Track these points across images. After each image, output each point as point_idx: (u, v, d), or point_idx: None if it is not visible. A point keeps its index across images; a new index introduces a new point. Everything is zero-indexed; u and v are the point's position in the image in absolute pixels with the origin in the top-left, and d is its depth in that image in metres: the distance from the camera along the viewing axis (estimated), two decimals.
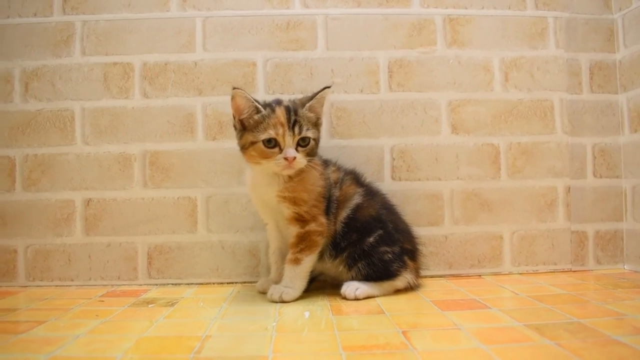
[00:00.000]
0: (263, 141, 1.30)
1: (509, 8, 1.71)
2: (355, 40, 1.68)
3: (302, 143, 1.33)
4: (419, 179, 1.67)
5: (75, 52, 1.65)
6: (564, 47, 1.72)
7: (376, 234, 1.37)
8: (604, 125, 1.73)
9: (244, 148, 1.36)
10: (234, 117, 1.36)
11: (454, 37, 1.70)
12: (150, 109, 1.64)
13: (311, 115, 1.36)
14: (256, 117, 1.33)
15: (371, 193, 1.46)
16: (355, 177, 1.48)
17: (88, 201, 1.63)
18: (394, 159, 1.66)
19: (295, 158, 1.29)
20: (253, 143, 1.32)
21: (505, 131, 1.69)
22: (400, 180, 1.66)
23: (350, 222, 1.39)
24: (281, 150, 1.31)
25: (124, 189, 1.63)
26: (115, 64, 1.65)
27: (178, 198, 1.63)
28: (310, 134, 1.34)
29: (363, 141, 1.66)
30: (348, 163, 1.56)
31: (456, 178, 1.67)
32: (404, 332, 1.03)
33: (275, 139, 1.30)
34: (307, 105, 1.36)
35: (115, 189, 1.63)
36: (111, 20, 1.65)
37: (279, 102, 1.36)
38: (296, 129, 1.31)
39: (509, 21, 1.71)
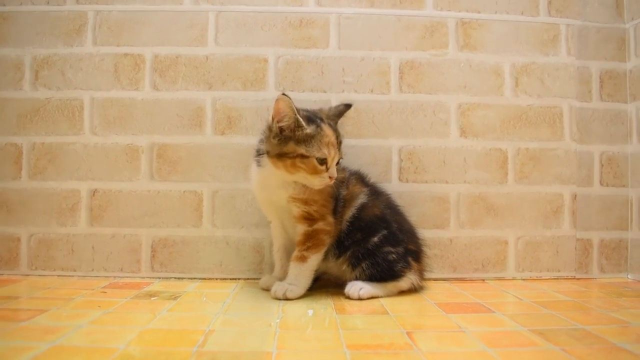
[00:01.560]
0: (317, 159, 1.30)
1: (522, 14, 1.70)
2: (367, 40, 1.67)
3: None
4: (426, 181, 1.66)
5: (87, 42, 1.65)
6: (575, 55, 1.72)
7: (380, 234, 1.37)
8: (612, 134, 1.72)
9: (284, 155, 1.32)
10: (273, 119, 1.32)
11: (465, 41, 1.69)
12: (160, 101, 1.64)
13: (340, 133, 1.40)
14: (308, 131, 1.30)
15: (376, 193, 1.47)
16: (360, 177, 1.49)
17: (94, 192, 1.63)
18: (401, 160, 1.66)
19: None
20: (304, 157, 1.30)
21: (513, 136, 1.69)
22: (407, 181, 1.66)
23: (355, 221, 1.39)
24: (327, 168, 1.32)
25: (130, 181, 1.63)
26: (126, 55, 1.65)
27: (184, 192, 1.63)
28: (341, 152, 1.38)
29: (371, 141, 1.66)
30: (355, 163, 1.56)
31: (463, 181, 1.67)
32: (408, 333, 1.02)
33: (326, 159, 1.31)
34: (336, 123, 1.42)
35: (121, 180, 1.63)
36: (124, 11, 1.65)
37: (319, 118, 1.36)
38: (340, 151, 1.36)
39: (521, 27, 1.71)
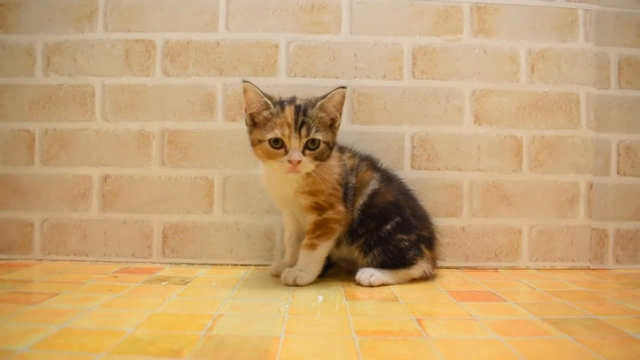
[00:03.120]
0: (269, 140, 1.26)
1: None
2: (379, 26, 1.65)
3: (310, 146, 1.27)
4: (439, 169, 1.64)
5: (98, 28, 1.65)
6: (593, 41, 1.68)
7: (393, 221, 1.36)
8: (630, 122, 1.69)
9: (252, 144, 1.33)
10: (245, 111, 1.33)
11: (480, 26, 1.66)
12: (171, 87, 1.63)
13: (323, 115, 1.30)
14: (265, 114, 1.29)
15: (388, 178, 1.45)
16: (371, 163, 1.46)
17: (105, 177, 1.63)
18: (414, 147, 1.64)
19: (300, 162, 1.25)
20: (260, 141, 1.28)
21: (528, 124, 1.66)
22: (419, 169, 1.64)
23: (367, 208, 1.37)
24: (287, 151, 1.26)
25: (142, 167, 1.63)
26: (137, 41, 1.64)
27: (195, 178, 1.63)
28: (319, 136, 1.27)
29: (384, 128, 1.64)
30: (368, 150, 1.53)
31: (476, 169, 1.65)
32: (418, 320, 1.01)
33: (281, 139, 1.26)
34: (318, 104, 1.29)
35: (132, 166, 1.63)
36: None
37: (291, 101, 1.31)
38: (303, 131, 1.25)
39: (537, 12, 1.67)
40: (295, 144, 1.25)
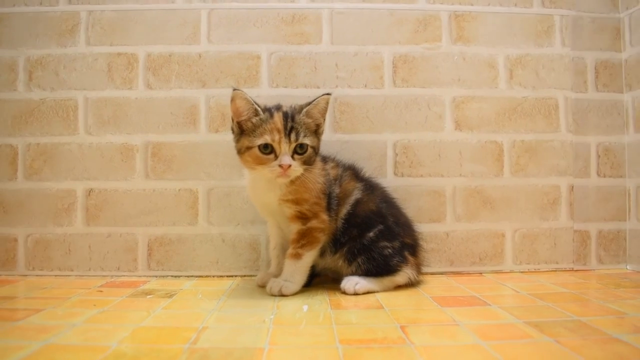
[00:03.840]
0: (259, 146, 1.28)
1: (515, 5, 1.70)
2: (360, 35, 1.67)
3: (299, 150, 1.30)
4: (422, 175, 1.66)
5: (80, 42, 1.65)
6: (570, 46, 1.71)
7: (376, 229, 1.37)
8: (608, 124, 1.72)
9: (240, 152, 1.34)
10: (232, 120, 1.34)
11: (459, 34, 1.69)
12: (154, 100, 1.64)
13: (309, 121, 1.33)
14: (254, 120, 1.31)
15: (370, 187, 1.45)
16: (354, 172, 1.48)
17: (89, 191, 1.63)
18: (396, 155, 1.66)
19: (290, 166, 1.27)
20: (249, 148, 1.30)
21: (509, 128, 1.68)
22: (402, 176, 1.65)
23: (350, 217, 1.38)
24: (277, 157, 1.28)
25: (126, 180, 1.63)
26: (119, 54, 1.65)
27: (179, 190, 1.63)
28: (307, 141, 1.31)
29: (366, 136, 1.65)
30: (351, 158, 1.55)
31: (459, 175, 1.67)
32: (402, 327, 1.02)
33: (271, 145, 1.28)
34: (304, 110, 1.33)
35: (116, 179, 1.63)
36: (116, 11, 1.64)
37: (278, 108, 1.34)
38: (292, 136, 1.29)
39: (515, 18, 1.70)
40: (285, 149, 1.28)
